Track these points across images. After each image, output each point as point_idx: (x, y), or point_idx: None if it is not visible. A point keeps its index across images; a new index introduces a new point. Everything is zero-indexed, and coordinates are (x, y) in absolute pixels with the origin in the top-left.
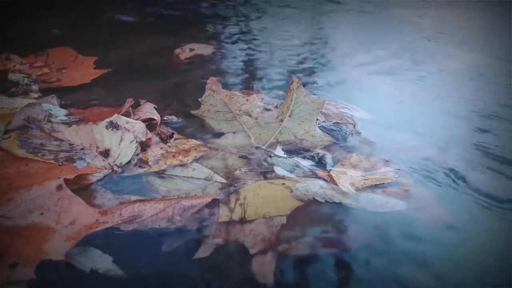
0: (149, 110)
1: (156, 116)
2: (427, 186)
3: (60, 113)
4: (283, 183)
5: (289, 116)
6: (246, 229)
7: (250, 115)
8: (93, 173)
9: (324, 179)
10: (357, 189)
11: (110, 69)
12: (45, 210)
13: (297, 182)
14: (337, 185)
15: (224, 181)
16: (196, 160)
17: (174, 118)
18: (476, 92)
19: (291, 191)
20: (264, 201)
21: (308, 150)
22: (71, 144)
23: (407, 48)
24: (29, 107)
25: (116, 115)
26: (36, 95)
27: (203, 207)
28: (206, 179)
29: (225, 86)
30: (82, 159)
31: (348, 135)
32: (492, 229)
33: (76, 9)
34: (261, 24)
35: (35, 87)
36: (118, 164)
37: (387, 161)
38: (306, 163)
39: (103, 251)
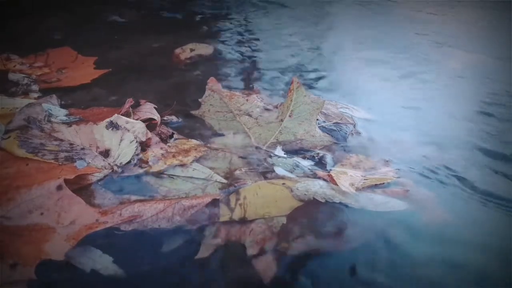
0: (149, 110)
1: (156, 116)
2: (427, 186)
3: (60, 113)
4: (283, 183)
5: (289, 116)
6: (246, 229)
7: (250, 115)
8: (93, 173)
9: (324, 179)
10: (357, 189)
11: (110, 69)
12: (45, 210)
13: (297, 182)
14: (337, 185)
15: (224, 181)
16: (196, 160)
17: (174, 118)
18: (476, 91)
19: (291, 191)
20: (264, 201)
21: (308, 150)
22: (71, 144)
23: (407, 48)
24: (29, 107)
25: (116, 115)
26: (36, 95)
27: (203, 207)
28: (206, 179)
29: (225, 86)
30: (82, 159)
31: (348, 135)
32: (492, 229)
33: (76, 9)
34: (261, 23)
35: (35, 87)
36: (118, 164)
37: (387, 161)
38: (306, 163)
39: (103, 251)
